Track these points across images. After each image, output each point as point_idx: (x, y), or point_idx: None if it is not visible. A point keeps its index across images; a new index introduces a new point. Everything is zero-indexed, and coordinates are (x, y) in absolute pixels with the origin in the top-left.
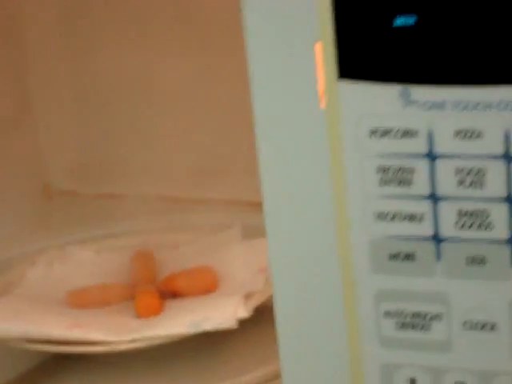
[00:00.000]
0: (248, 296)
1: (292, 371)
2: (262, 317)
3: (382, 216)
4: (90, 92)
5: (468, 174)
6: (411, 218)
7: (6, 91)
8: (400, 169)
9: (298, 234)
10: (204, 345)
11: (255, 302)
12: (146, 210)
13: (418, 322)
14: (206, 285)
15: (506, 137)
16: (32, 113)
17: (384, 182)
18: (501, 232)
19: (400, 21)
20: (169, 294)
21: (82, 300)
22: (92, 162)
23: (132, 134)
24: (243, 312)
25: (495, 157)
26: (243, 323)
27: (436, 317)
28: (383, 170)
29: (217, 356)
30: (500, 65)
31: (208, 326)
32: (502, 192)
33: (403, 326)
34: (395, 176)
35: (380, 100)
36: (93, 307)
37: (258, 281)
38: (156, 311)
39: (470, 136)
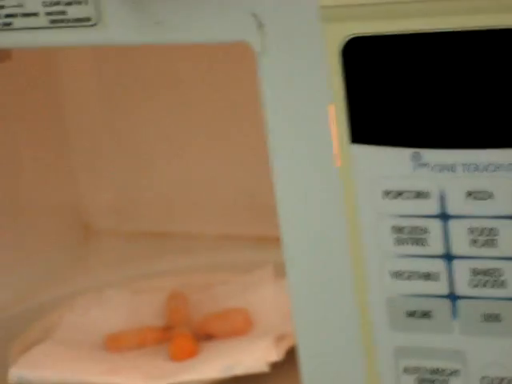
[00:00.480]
0: (280, 338)
1: None
2: (295, 358)
3: (398, 275)
4: (125, 131)
5: (480, 234)
6: (427, 276)
7: (45, 133)
8: (414, 229)
9: (319, 292)
10: None
11: (287, 344)
12: (183, 249)
13: (436, 378)
14: (240, 327)
15: None
16: (70, 153)
17: (399, 242)
18: (510, 289)
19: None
20: (203, 336)
21: (118, 344)
22: (130, 202)
23: (168, 174)
24: (274, 355)
25: (506, 217)
26: (276, 365)
27: (454, 373)
28: (398, 229)
29: None
30: (508, 128)
31: (240, 370)
32: (510, 251)
33: (423, 381)
34: (410, 236)
35: (392, 163)
36: (129, 351)
37: (289, 322)
38: (191, 354)
39: (482, 197)
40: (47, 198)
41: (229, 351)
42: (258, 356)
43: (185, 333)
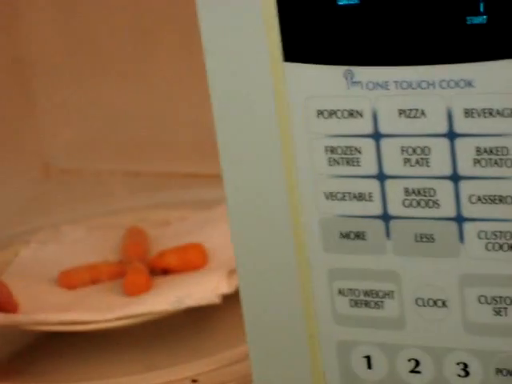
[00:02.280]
0: (233, 272)
1: (257, 349)
2: None
3: (331, 196)
4: (88, 71)
5: (413, 152)
6: (360, 197)
7: (5, 73)
8: (347, 149)
9: (256, 213)
10: (191, 321)
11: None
12: (141, 187)
13: (370, 299)
14: (196, 262)
15: (449, 115)
16: (31, 92)
17: (333, 162)
18: (447, 210)
19: (343, 1)
20: (159, 271)
21: (71, 280)
22: (91, 140)
23: (130, 113)
24: (225, 287)
25: (439, 135)
26: (230, 299)
27: (388, 294)
28: (331, 150)
29: (203, 332)
30: (441, 44)
31: (190, 302)
32: (447, 170)
33: (357, 303)
34: (343, 156)
35: (325, 81)
36: (83, 287)
37: None
38: (144, 289)
39: (414, 115)
40: (7, 136)
41: (181, 284)
42: (208, 288)
43: (139, 267)
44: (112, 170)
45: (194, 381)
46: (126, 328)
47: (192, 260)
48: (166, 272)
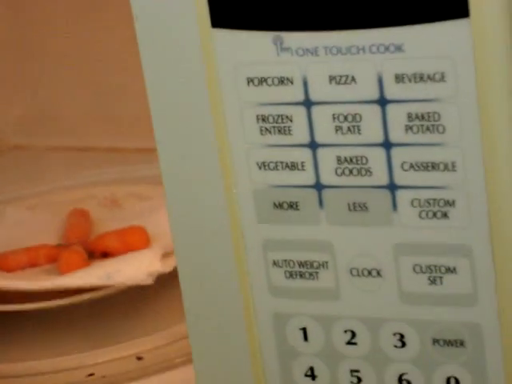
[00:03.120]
0: (170, 253)
1: (195, 324)
2: None
3: (264, 165)
4: (36, 46)
5: (344, 120)
6: (292, 166)
7: None
8: (279, 117)
9: (190, 185)
10: (133, 300)
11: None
12: (95, 164)
13: (305, 270)
14: (136, 245)
15: (379, 81)
16: None
17: (264, 131)
18: (380, 177)
19: None
20: (99, 254)
21: (9, 263)
22: (40, 117)
23: (80, 88)
24: (157, 266)
25: (370, 101)
26: (165, 283)
27: (322, 265)
28: (263, 118)
29: (145, 310)
30: (369, 8)
31: (120, 277)
32: (379, 137)
33: (291, 275)
34: (275, 124)
35: (254, 48)
36: (20, 269)
37: None
38: (78, 269)
39: (345, 81)
40: None
41: (114, 262)
42: (141, 267)
43: (76, 250)
44: (62, 145)
45: (139, 358)
46: (68, 308)
47: (132, 243)
48: (105, 255)
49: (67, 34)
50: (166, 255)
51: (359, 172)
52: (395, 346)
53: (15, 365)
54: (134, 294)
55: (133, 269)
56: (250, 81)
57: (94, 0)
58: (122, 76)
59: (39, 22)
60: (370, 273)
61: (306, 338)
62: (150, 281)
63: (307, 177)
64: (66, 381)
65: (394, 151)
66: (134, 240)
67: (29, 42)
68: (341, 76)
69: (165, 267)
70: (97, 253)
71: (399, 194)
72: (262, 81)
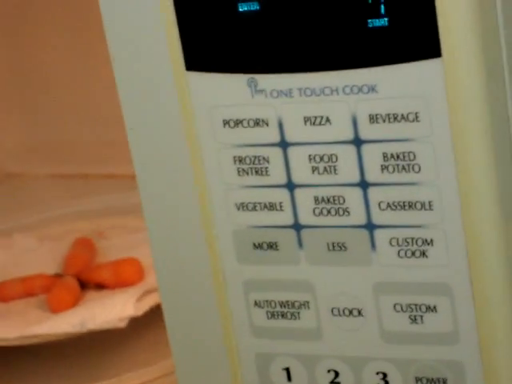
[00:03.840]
0: (147, 292)
1: (182, 363)
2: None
3: (242, 206)
4: (31, 73)
5: (321, 160)
6: (271, 207)
7: None
8: (255, 158)
9: (171, 225)
10: (99, 341)
11: (153, 299)
12: (100, 191)
13: (286, 310)
14: (131, 277)
15: (354, 121)
16: None
17: (242, 172)
18: (357, 217)
19: (243, 7)
20: (93, 285)
21: (5, 292)
22: (43, 143)
23: (76, 116)
24: (131, 310)
25: (345, 142)
26: (140, 322)
27: (304, 305)
28: (240, 160)
29: (112, 353)
30: (343, 49)
31: (92, 325)
32: (355, 177)
33: (273, 315)
34: (252, 166)
35: (229, 90)
36: (17, 299)
37: None
38: (67, 305)
39: (319, 122)
40: None
41: (90, 307)
42: (113, 310)
43: (68, 282)
44: (60, 173)
45: None
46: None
47: (126, 276)
48: (100, 287)
49: (64, 61)
50: (147, 292)
51: (337, 212)
52: None
53: None
54: (117, 332)
55: (106, 313)
56: (225, 123)
57: (92, 28)
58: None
59: (36, 49)
60: (351, 312)
61: (289, 378)
62: (122, 325)
63: (286, 217)
64: None
65: (371, 191)
66: (128, 272)
67: (24, 70)
68: (315, 117)
69: (138, 310)
70: (91, 284)
71: (377, 233)
72: (238, 122)
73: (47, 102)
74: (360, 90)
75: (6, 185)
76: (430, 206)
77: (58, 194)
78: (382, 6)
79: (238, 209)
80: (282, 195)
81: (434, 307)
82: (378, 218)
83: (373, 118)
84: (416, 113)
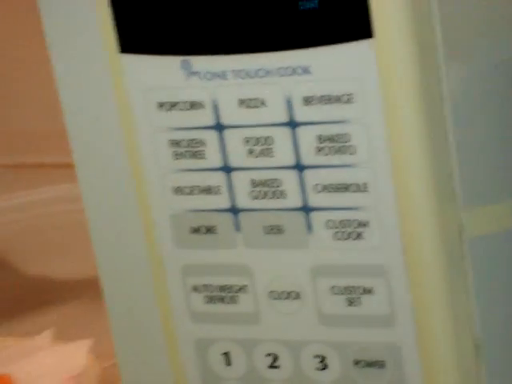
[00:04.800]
0: None
1: (123, 352)
2: None
3: (179, 190)
4: None
5: (257, 143)
6: (207, 190)
7: None
8: (191, 141)
9: (109, 209)
10: None
11: None
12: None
13: (225, 295)
14: None
15: (288, 103)
16: None
17: (177, 156)
18: (293, 200)
19: None
20: None
21: None
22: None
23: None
24: None
25: (280, 124)
26: None
27: (241, 289)
28: (175, 143)
29: None
30: (275, 31)
31: None
32: (291, 160)
33: (212, 299)
34: (187, 149)
35: (163, 73)
36: None
37: None
38: None
39: (254, 105)
40: None
41: None
42: None
43: None
44: (16, 163)
45: None
46: None
47: None
48: None
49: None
50: None
51: (273, 195)
52: (317, 369)
53: None
54: None
55: None
56: (160, 105)
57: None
58: None
59: None
60: (288, 295)
61: (228, 362)
62: None
63: (222, 200)
64: None
65: (307, 173)
66: None
67: None
68: (250, 99)
69: None
70: None
71: (313, 216)
72: (173, 105)
73: (3, 93)
74: (294, 71)
75: None
76: (365, 188)
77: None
78: None
79: (175, 193)
80: (219, 178)
81: (371, 289)
82: (314, 200)
83: (307, 100)
84: (350, 94)
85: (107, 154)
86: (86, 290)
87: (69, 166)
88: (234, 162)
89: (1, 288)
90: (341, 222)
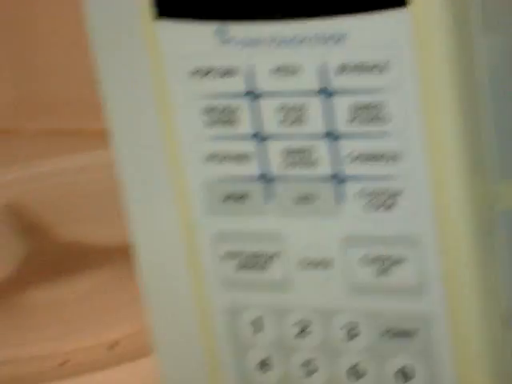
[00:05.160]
0: None
1: (156, 318)
2: None
3: (212, 158)
4: (24, 26)
5: (290, 110)
6: (240, 158)
7: None
8: (225, 109)
9: (142, 178)
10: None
11: None
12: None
13: (256, 262)
14: None
15: (323, 71)
16: None
17: (211, 123)
18: (325, 169)
19: None
20: None
21: None
22: (27, 98)
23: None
24: None
25: (315, 92)
26: None
27: (273, 256)
28: (209, 110)
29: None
30: None
31: None
32: (325, 128)
33: (243, 267)
34: (221, 116)
35: (198, 39)
36: None
37: None
38: None
39: (290, 72)
40: None
41: None
42: None
43: None
44: (53, 129)
45: (112, 346)
46: None
47: None
48: None
49: (55, 16)
50: None
51: (306, 163)
52: (347, 337)
53: None
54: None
55: None
56: (194, 72)
57: None
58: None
59: (26, 3)
60: (319, 264)
61: (258, 329)
62: None
63: (255, 168)
64: (39, 369)
65: (340, 142)
66: None
67: (13, 24)
68: (285, 67)
69: None
70: None
71: (346, 185)
72: (207, 72)
73: (35, 58)
74: (330, 39)
75: None
76: (398, 157)
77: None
78: None
79: (208, 160)
80: (252, 146)
81: (402, 259)
82: (347, 169)
83: (342, 68)
84: (385, 62)
85: (141, 122)
86: (119, 256)
87: (105, 133)
88: (266, 129)
89: (34, 252)
90: (373, 191)
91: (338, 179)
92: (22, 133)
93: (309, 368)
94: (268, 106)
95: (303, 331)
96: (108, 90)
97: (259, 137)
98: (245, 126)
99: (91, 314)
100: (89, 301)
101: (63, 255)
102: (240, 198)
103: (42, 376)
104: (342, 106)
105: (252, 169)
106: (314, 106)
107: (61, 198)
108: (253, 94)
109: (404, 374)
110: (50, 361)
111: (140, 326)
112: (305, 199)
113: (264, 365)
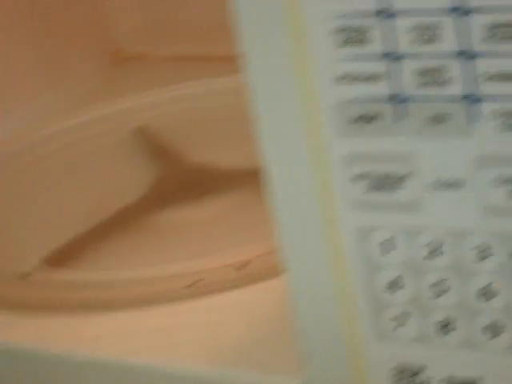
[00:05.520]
0: None
1: (285, 237)
2: None
3: (343, 78)
4: None
5: (426, 29)
6: (371, 78)
7: None
8: (356, 29)
9: (274, 101)
10: None
11: None
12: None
13: (387, 183)
14: None
15: None
16: None
17: (342, 43)
18: (460, 88)
19: None
20: None
21: None
22: (162, 23)
23: None
24: None
25: (452, 9)
26: None
27: (404, 177)
28: (340, 30)
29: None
30: None
31: None
32: (460, 47)
33: (374, 187)
34: (352, 36)
35: None
36: None
37: None
38: None
39: None
40: (73, 22)
41: None
42: None
43: None
44: (184, 54)
45: (242, 265)
46: None
47: None
48: None
49: None
50: None
51: (439, 83)
52: (478, 258)
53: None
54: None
55: None
56: None
57: None
58: None
59: None
60: (451, 185)
61: (389, 250)
62: None
63: (387, 89)
64: (169, 288)
65: (476, 61)
66: None
67: None
68: None
69: None
70: None
71: (480, 105)
72: None
73: None
74: None
75: (124, 68)
76: None
77: (177, 77)
78: None
79: (338, 81)
80: (383, 66)
81: None
82: (482, 89)
83: None
84: None
85: (273, 44)
86: (248, 180)
87: (235, 59)
88: (399, 49)
89: (165, 176)
90: (507, 111)
91: (471, 99)
92: (152, 58)
93: (439, 288)
94: (401, 25)
95: (434, 252)
96: (241, 14)
97: (391, 56)
98: (377, 45)
99: (221, 235)
100: (218, 222)
101: (193, 179)
102: (371, 118)
103: (172, 296)
104: (481, 24)
105: (383, 89)
106: (451, 24)
107: (191, 123)
108: (385, 14)
109: None
110: (181, 281)
111: (270, 247)
112: (437, 119)
113: (393, 285)
